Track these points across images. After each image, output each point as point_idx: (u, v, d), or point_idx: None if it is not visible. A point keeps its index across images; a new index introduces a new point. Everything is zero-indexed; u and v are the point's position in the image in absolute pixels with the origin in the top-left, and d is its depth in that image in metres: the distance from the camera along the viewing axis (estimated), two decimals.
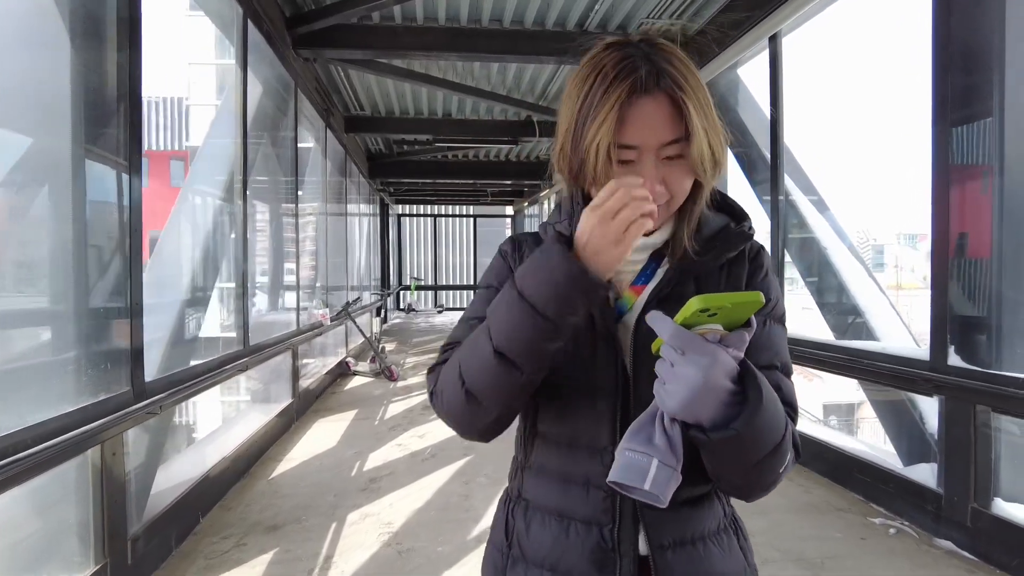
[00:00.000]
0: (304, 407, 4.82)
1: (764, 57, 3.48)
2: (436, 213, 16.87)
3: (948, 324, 2.24)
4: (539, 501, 0.78)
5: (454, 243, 18.33)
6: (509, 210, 14.85)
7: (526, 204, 12.56)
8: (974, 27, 2.23)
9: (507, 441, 0.86)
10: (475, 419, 0.74)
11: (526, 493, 0.80)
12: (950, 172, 2.26)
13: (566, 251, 0.66)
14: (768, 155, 3.50)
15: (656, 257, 0.79)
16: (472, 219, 16.53)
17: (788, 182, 3.46)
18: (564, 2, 4.03)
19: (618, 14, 4.20)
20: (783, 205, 3.43)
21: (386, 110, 6.77)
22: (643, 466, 0.61)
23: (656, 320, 0.61)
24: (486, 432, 0.75)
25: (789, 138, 3.42)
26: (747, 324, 0.61)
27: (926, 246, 2.48)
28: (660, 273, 0.78)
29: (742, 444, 0.60)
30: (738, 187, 3.89)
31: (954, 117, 2.24)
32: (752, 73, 3.88)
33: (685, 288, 0.77)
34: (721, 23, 3.85)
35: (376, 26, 4.38)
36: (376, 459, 3.57)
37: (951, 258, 2.25)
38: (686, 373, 0.59)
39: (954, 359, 2.22)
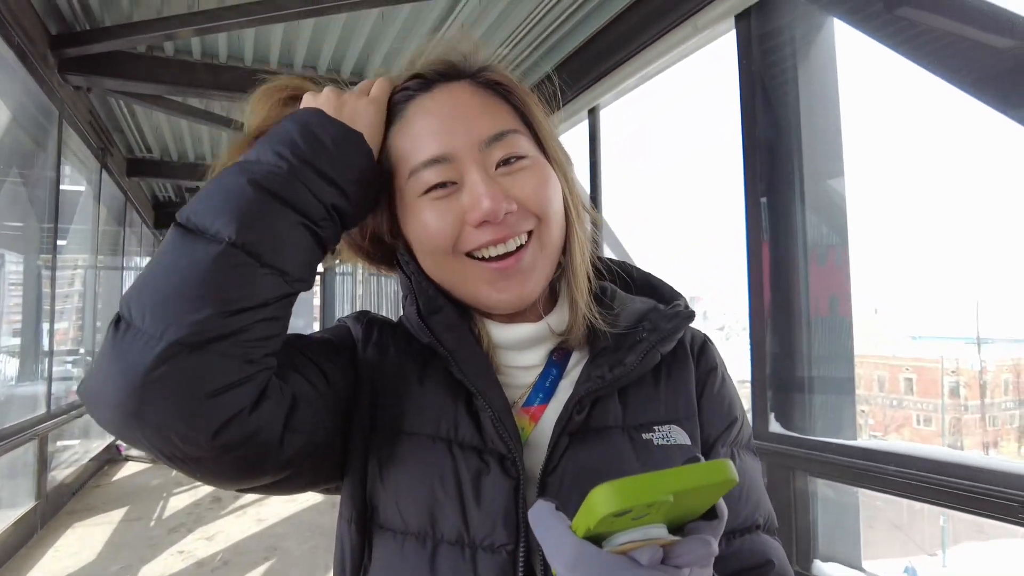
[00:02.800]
0: (54, 508, 3.89)
1: (584, 128, 3.59)
2: None
3: (768, 391, 2.33)
4: None
5: None
6: (320, 267, 14.08)
7: (337, 262, 11.99)
8: (778, 131, 2.43)
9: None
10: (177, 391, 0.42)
11: None
12: (762, 239, 2.40)
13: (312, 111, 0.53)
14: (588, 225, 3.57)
15: (559, 356, 0.59)
16: None
17: (607, 251, 3.55)
18: (384, 56, 3.87)
19: None
20: None
21: (178, 154, 6.04)
22: None
23: (542, 528, 0.38)
24: (211, 434, 0.43)
25: (607, 207, 3.52)
26: (711, 514, 0.39)
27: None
28: (566, 385, 0.57)
29: None
30: None
31: (762, 189, 2.40)
32: (570, 143, 4.01)
33: (607, 409, 0.55)
34: (541, 92, 3.93)
35: (169, 59, 3.87)
36: (150, 574, 2.89)
37: (767, 322, 2.37)
38: None
39: (774, 426, 2.31)
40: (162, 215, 8.11)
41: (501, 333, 0.58)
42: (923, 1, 2.02)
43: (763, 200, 2.37)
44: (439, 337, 0.56)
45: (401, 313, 0.64)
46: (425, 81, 0.58)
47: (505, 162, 0.54)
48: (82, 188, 4.96)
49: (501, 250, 0.54)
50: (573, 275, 0.58)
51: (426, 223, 0.54)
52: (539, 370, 0.58)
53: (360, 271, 10.14)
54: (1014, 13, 1.81)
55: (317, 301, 13.29)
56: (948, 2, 1.96)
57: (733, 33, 2.50)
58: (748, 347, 2.37)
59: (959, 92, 1.93)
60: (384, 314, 0.67)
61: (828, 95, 2.38)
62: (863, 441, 2.06)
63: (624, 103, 3.43)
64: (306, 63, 4.03)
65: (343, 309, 11.46)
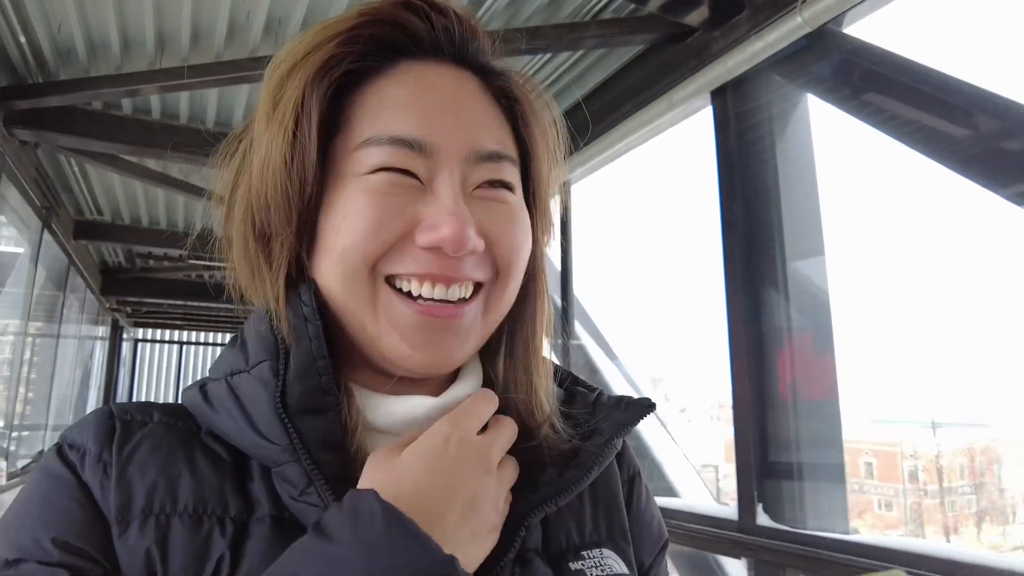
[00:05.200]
0: None
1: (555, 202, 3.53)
2: (185, 340, 14.84)
3: (753, 479, 2.16)
4: None
5: (203, 375, 15.94)
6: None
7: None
8: (757, 209, 2.38)
9: None
10: None
11: None
12: (744, 321, 2.29)
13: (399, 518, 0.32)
14: (559, 301, 3.45)
15: None
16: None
17: (578, 327, 3.42)
18: None
19: None
20: (573, 349, 3.35)
21: (131, 217, 5.81)
22: None
23: None
24: None
25: (579, 283, 3.42)
26: None
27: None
28: None
29: None
30: None
31: (742, 268, 2.31)
32: None
33: (555, 533, 0.43)
34: None
35: (126, 117, 3.72)
36: None
37: (751, 406, 2.22)
38: None
39: (762, 518, 2.13)
40: (111, 281, 7.75)
41: (382, 410, 0.43)
42: (901, 83, 2.02)
43: (743, 280, 2.28)
44: (311, 454, 0.39)
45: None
46: (413, 39, 0.44)
47: (489, 185, 0.42)
48: (20, 250, 4.67)
49: (439, 294, 0.41)
50: (526, 346, 0.45)
51: (362, 210, 0.40)
52: None
53: None
54: (997, 95, 1.80)
55: None
56: (926, 84, 1.96)
57: (710, 109, 2.48)
58: (733, 433, 2.22)
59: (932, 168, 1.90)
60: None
61: (805, 172, 2.35)
62: (861, 536, 1.89)
63: (597, 179, 3.40)
64: None
65: None
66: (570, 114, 3.22)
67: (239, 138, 0.49)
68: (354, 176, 0.41)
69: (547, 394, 0.46)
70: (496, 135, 0.44)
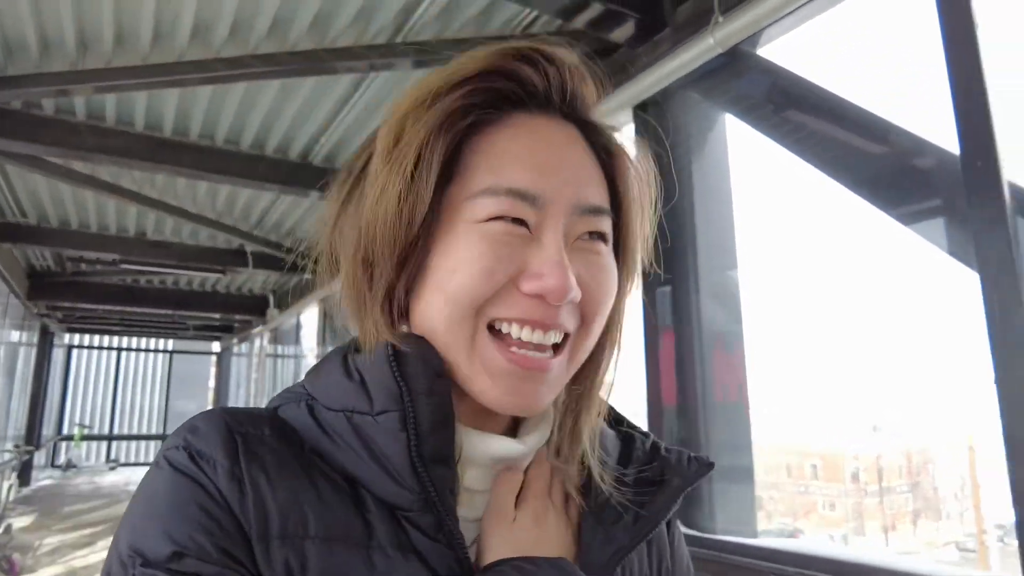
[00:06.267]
0: None
1: None
2: (121, 346, 14.31)
3: None
4: None
5: (143, 383, 15.11)
6: (216, 346, 13.30)
7: (236, 341, 11.33)
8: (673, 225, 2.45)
9: None
10: None
11: None
12: (659, 327, 2.36)
13: None
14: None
15: None
16: (168, 355, 14.31)
17: None
18: (285, 130, 3.76)
19: (345, 150, 4.05)
20: None
21: (58, 220, 5.60)
22: None
23: None
24: None
25: None
26: None
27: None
28: None
29: None
30: None
31: (661, 278, 2.39)
32: None
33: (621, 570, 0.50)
34: None
35: (48, 118, 3.59)
36: None
37: (665, 410, 2.29)
38: None
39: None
40: (39, 285, 7.45)
41: (480, 448, 0.46)
42: (806, 106, 2.12)
43: (660, 289, 2.36)
44: (444, 503, 0.43)
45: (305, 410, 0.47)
46: (530, 94, 0.47)
47: (588, 236, 0.44)
48: None
49: (536, 338, 0.43)
50: (587, 403, 0.49)
51: (477, 257, 0.43)
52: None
53: (255, 352, 9.61)
54: (887, 122, 1.92)
55: (212, 383, 12.50)
56: (828, 108, 2.06)
57: (632, 126, 2.55)
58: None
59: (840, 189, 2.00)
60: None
61: (722, 189, 2.44)
62: (763, 540, 1.97)
63: None
64: (202, 132, 3.85)
65: (238, 393, 10.75)
66: None
67: (359, 163, 0.50)
68: (469, 222, 0.43)
69: (591, 446, 0.50)
70: (598, 189, 0.47)
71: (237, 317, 9.81)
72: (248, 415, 0.46)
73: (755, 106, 2.29)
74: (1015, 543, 1.26)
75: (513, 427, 0.50)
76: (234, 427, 0.44)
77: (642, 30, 2.47)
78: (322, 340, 6.74)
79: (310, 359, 7.60)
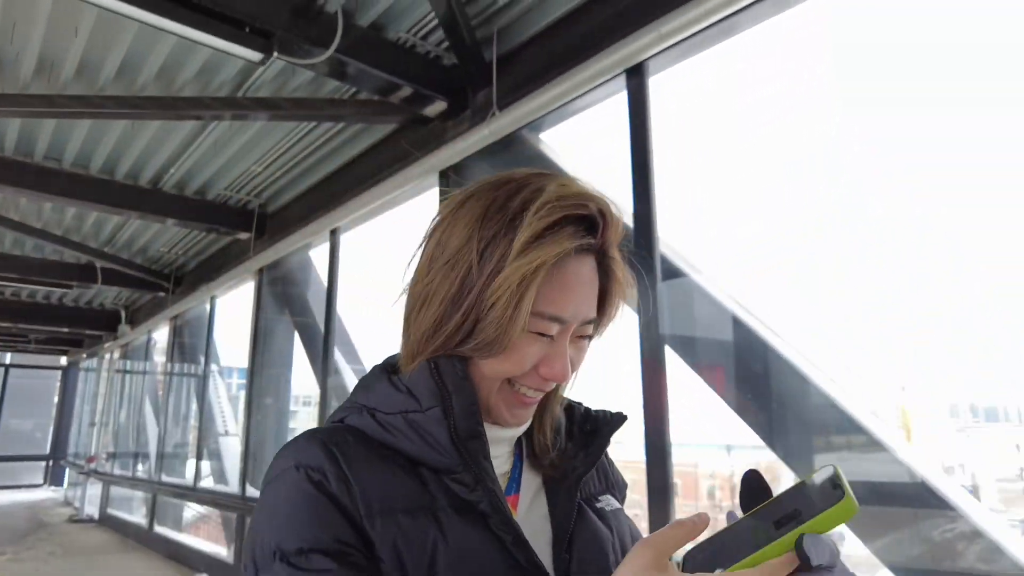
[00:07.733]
0: None
1: (326, 248, 3.95)
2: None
3: None
4: None
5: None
6: (63, 360, 12.49)
7: (84, 355, 10.78)
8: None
9: None
10: None
11: None
12: None
13: None
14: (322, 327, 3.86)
15: (518, 449, 0.68)
16: (4, 369, 13.10)
17: (337, 354, 3.83)
18: (137, 155, 3.94)
19: (195, 179, 4.28)
20: (331, 373, 3.75)
21: None
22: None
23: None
24: None
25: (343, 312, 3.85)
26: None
27: None
28: (528, 474, 0.67)
29: None
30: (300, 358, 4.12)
31: None
32: (321, 256, 4.33)
33: (583, 489, 0.67)
34: (295, 209, 4.27)
35: None
36: None
37: None
38: None
39: None
40: None
41: (498, 433, 0.64)
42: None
43: None
44: (479, 467, 0.58)
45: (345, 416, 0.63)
46: (586, 241, 0.59)
47: (580, 336, 0.62)
48: None
49: (536, 395, 0.63)
50: (554, 400, 0.69)
51: (528, 356, 0.59)
52: (505, 461, 0.66)
53: (106, 368, 9.24)
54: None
55: (56, 398, 11.73)
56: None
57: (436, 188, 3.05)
58: None
59: None
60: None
61: None
62: None
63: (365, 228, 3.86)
64: (76, 162, 3.99)
65: (83, 409, 10.20)
66: (339, 173, 3.69)
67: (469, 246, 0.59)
68: (524, 329, 0.57)
69: (553, 428, 0.68)
70: (594, 305, 0.62)
71: (87, 332, 9.39)
72: (331, 431, 0.59)
73: None
74: None
75: None
76: (327, 441, 0.57)
77: (450, 108, 2.97)
78: (170, 357, 6.72)
79: (159, 376, 7.50)
